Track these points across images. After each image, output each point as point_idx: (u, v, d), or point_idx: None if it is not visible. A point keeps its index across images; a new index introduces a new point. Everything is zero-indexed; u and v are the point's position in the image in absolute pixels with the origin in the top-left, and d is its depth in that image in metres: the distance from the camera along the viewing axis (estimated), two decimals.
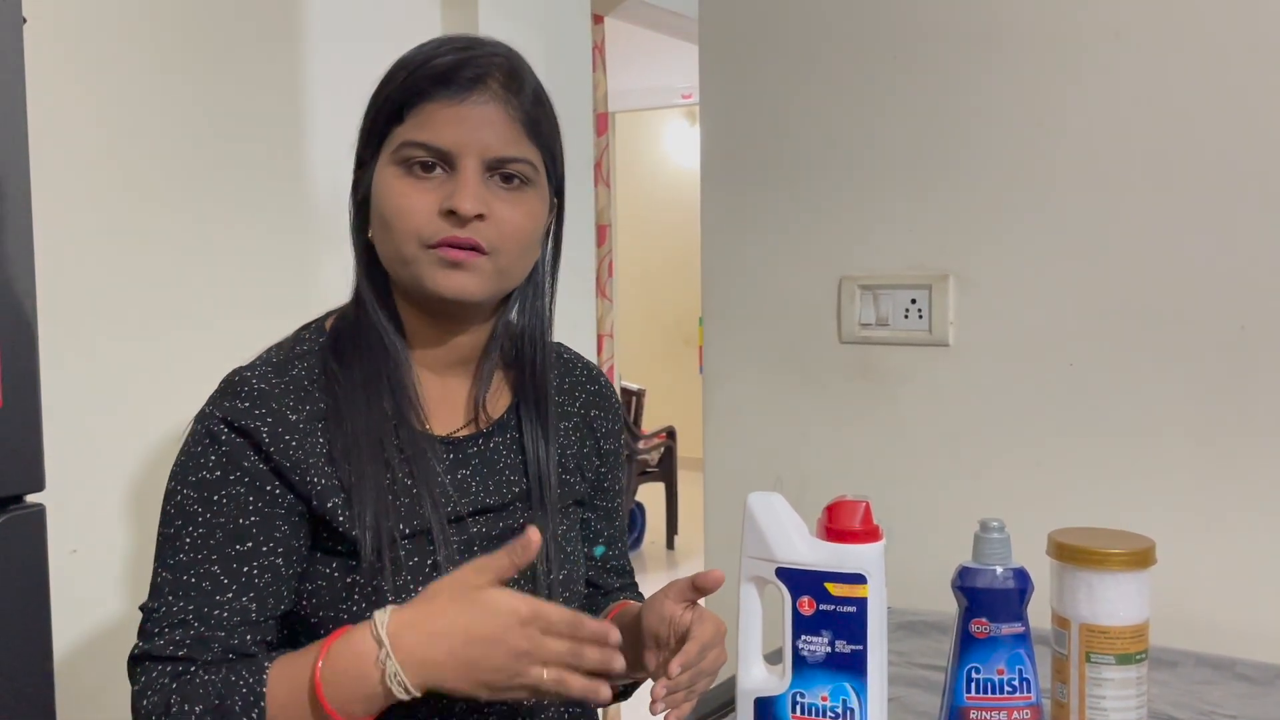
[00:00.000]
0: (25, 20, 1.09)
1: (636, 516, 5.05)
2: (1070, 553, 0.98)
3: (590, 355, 2.80)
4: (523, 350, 1.04)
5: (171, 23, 1.54)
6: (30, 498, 1.13)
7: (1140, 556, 0.97)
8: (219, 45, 1.60)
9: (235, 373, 0.96)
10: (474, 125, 0.93)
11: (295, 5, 1.69)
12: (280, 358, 0.98)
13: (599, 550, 1.12)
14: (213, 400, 0.95)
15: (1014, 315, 1.50)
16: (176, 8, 1.55)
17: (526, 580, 0.98)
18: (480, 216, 0.92)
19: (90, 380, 1.44)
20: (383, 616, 0.83)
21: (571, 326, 2.59)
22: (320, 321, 1.03)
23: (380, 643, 0.82)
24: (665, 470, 4.99)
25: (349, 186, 1.03)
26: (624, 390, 4.66)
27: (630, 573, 1.20)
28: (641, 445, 4.85)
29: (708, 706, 1.12)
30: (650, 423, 5.17)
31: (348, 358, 0.98)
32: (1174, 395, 1.39)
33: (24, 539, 1.11)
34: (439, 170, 0.93)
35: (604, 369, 3.72)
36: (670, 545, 5.16)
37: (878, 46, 1.58)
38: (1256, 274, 1.34)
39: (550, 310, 1.06)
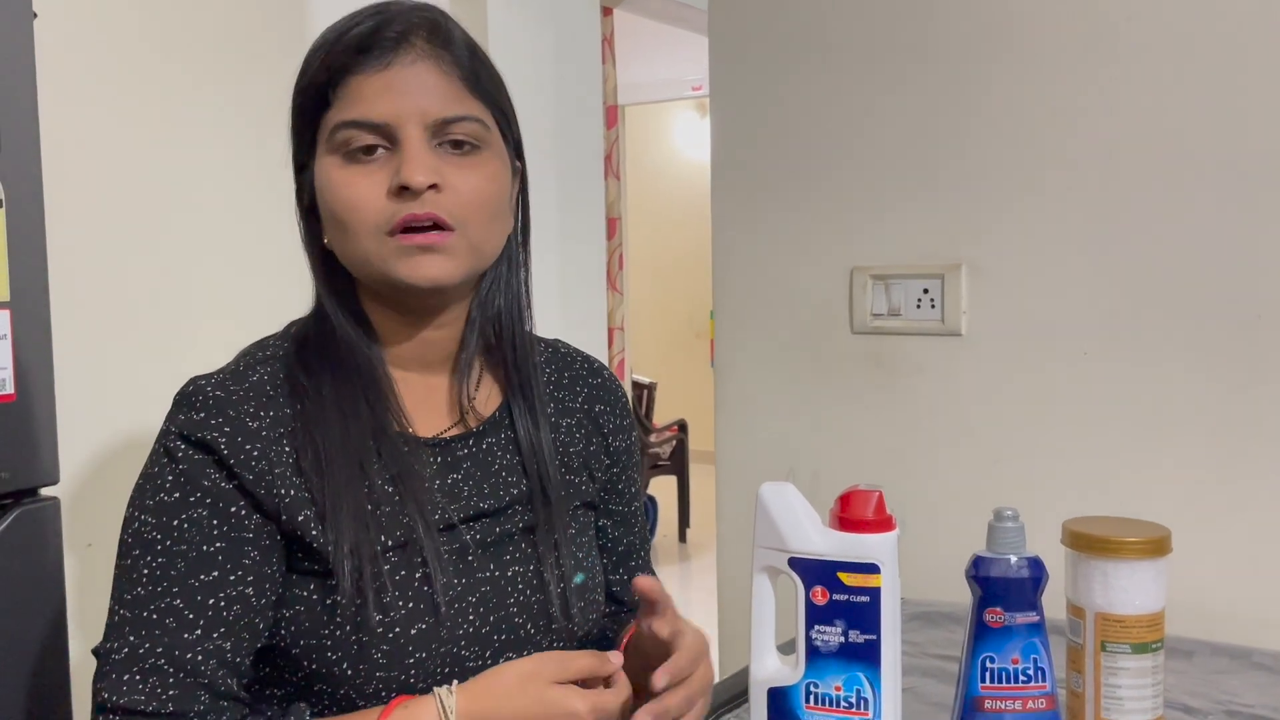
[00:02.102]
0: (35, 15, 1.09)
1: (649, 509, 5.06)
2: (1085, 541, 0.97)
3: (601, 348, 2.81)
4: (501, 331, 0.95)
5: (180, 15, 1.55)
6: (45, 491, 1.13)
7: (1156, 545, 0.96)
8: (228, 40, 1.60)
9: (190, 382, 0.88)
10: (406, 89, 0.84)
11: (304, 2, 1.69)
12: (240, 365, 0.90)
13: (579, 579, 0.98)
14: (168, 415, 0.87)
15: (1027, 304, 1.49)
16: (187, 2, 1.55)
17: (536, 590, 0.92)
18: (435, 187, 0.84)
19: (104, 373, 1.44)
20: (449, 698, 0.80)
21: (582, 320, 2.59)
22: (285, 330, 0.95)
23: (447, 716, 0.79)
24: (677, 463, 4.99)
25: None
26: (635, 383, 4.67)
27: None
28: (653, 438, 4.85)
29: (721, 698, 1.12)
30: (662, 416, 5.17)
31: (315, 368, 0.90)
32: (1189, 383, 1.38)
33: (39, 532, 1.12)
34: (381, 150, 0.85)
35: (615, 362, 3.72)
36: (683, 538, 5.16)
37: (889, 36, 1.57)
38: (1272, 262, 1.33)
39: (526, 285, 0.97)
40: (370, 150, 0.85)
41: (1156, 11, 1.39)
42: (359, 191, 0.85)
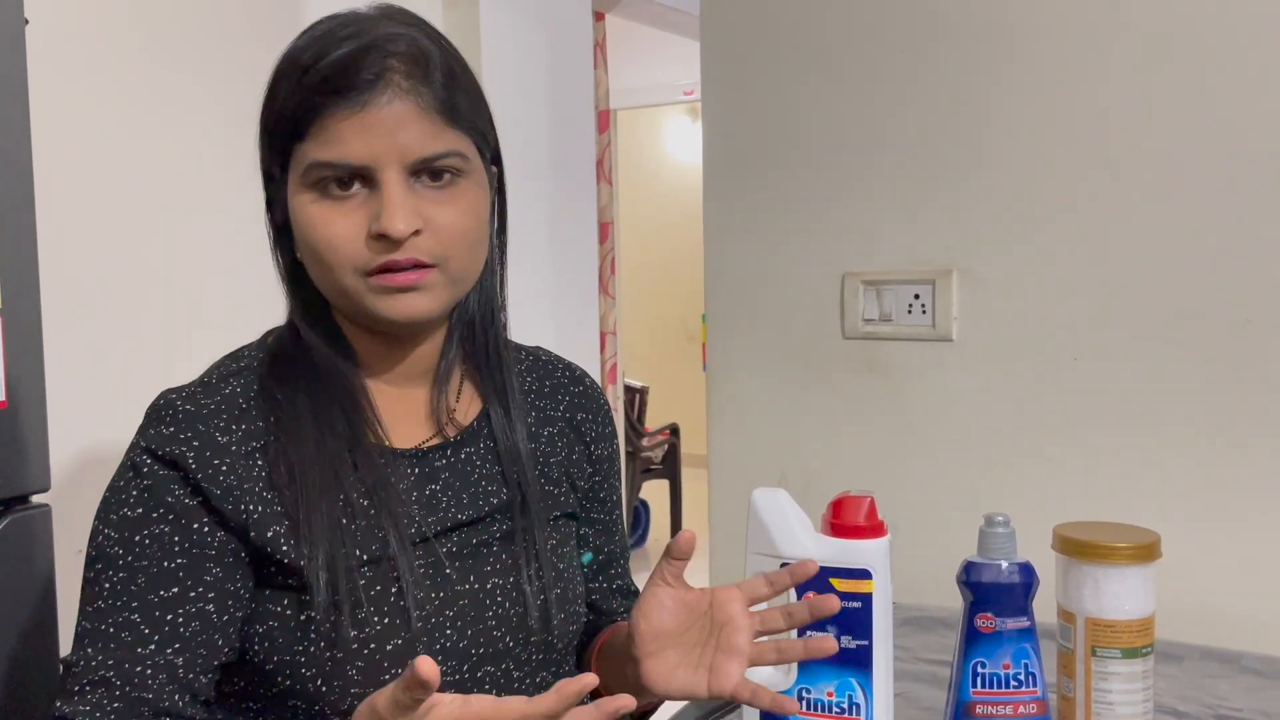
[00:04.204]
0: (27, 22, 1.09)
1: (641, 514, 5.05)
2: (1075, 547, 0.97)
3: (593, 352, 2.81)
4: (476, 337, 0.95)
5: (172, 22, 1.54)
6: (36, 498, 1.13)
7: (1145, 550, 0.96)
8: (220, 45, 1.60)
9: (161, 395, 0.87)
10: (385, 130, 0.81)
11: (297, 4, 1.69)
12: (213, 377, 0.89)
13: (586, 557, 1.01)
14: (139, 429, 0.86)
15: (1018, 310, 1.50)
16: (177, 8, 1.55)
17: (515, 603, 0.91)
18: (416, 232, 0.82)
19: (95, 381, 1.44)
20: None
21: (575, 324, 2.59)
22: (260, 340, 0.94)
23: None
24: (669, 467, 4.99)
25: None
26: (627, 387, 4.66)
27: (636, 594, 1.09)
28: (645, 442, 4.85)
29: (714, 703, 1.12)
30: (654, 420, 5.17)
31: (289, 380, 0.89)
32: (1179, 389, 1.39)
33: (30, 539, 1.12)
34: (357, 186, 0.83)
35: (607, 366, 3.72)
36: None
37: (880, 41, 1.58)
38: (1262, 268, 1.34)
39: (501, 288, 0.97)
40: (346, 184, 0.83)
41: (1148, 20, 1.39)
42: (336, 230, 0.83)
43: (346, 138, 0.81)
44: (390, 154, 0.82)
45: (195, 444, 0.84)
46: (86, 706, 0.80)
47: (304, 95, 0.82)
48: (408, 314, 0.85)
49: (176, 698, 0.82)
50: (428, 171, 0.84)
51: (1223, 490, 1.37)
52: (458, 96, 0.86)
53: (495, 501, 0.93)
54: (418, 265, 0.83)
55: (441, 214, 0.84)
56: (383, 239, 0.82)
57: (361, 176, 0.83)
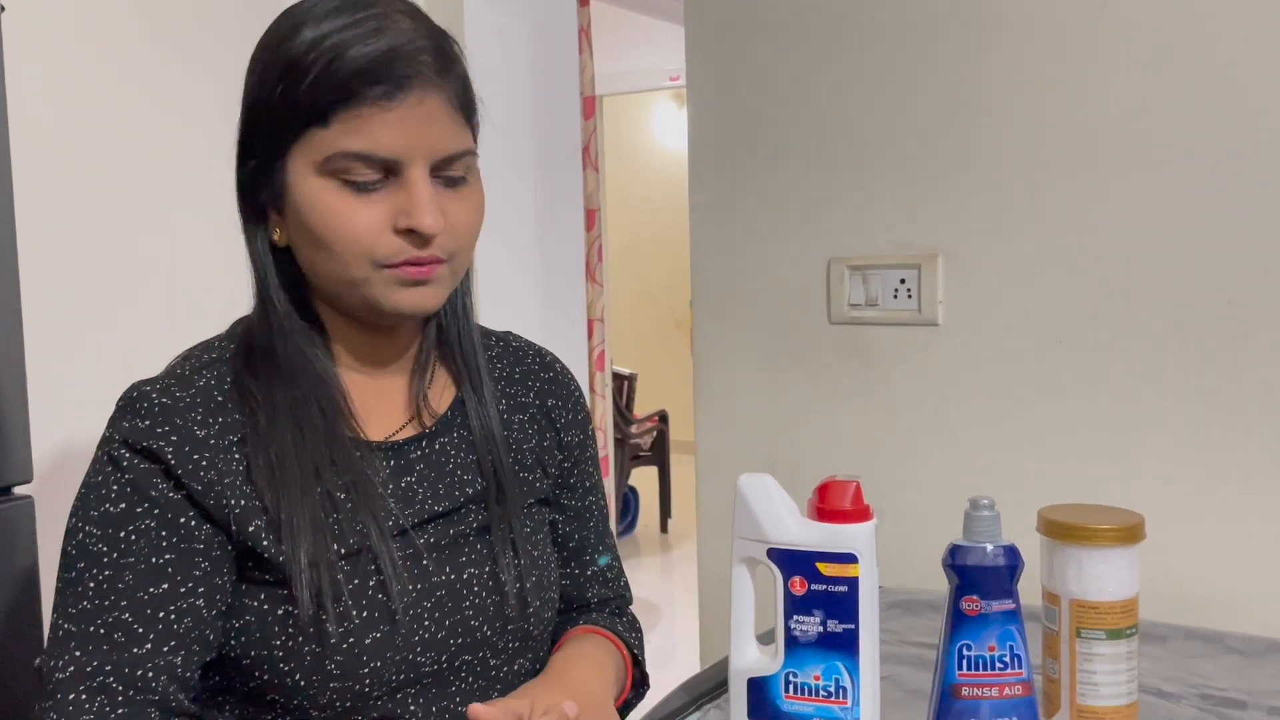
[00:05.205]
0: (3, 8, 1.08)
1: (630, 501, 5.06)
2: (1060, 529, 0.98)
3: (581, 340, 2.80)
4: (446, 323, 0.96)
5: (157, 8, 1.53)
6: (19, 489, 1.13)
7: (1130, 532, 0.97)
8: (202, 33, 1.59)
9: (133, 388, 0.85)
10: (417, 126, 0.82)
11: None
12: (185, 369, 0.87)
13: (603, 560, 1.01)
14: (111, 421, 0.84)
15: (1003, 294, 1.50)
16: None
17: (492, 592, 0.91)
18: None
19: (77, 372, 1.43)
20: None
21: (562, 312, 2.59)
22: (230, 329, 0.93)
23: None
24: (658, 454, 5.00)
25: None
26: (616, 374, 4.66)
27: (614, 583, 1.08)
28: (634, 429, 4.86)
29: (702, 688, 1.12)
30: (643, 407, 5.18)
31: (263, 373, 0.87)
32: (1163, 371, 1.40)
33: (12, 531, 1.11)
34: (382, 178, 0.83)
35: (595, 353, 3.72)
36: (664, 529, 5.18)
37: (865, 27, 1.58)
38: (1244, 250, 1.34)
39: (468, 275, 0.97)
40: (371, 177, 0.83)
41: (1134, 7, 1.39)
42: (359, 223, 0.82)
43: (379, 130, 0.81)
44: (420, 149, 0.82)
45: (173, 438, 0.82)
46: (90, 716, 0.77)
47: (331, 83, 0.81)
48: (418, 306, 0.86)
49: (181, 696, 0.81)
50: (445, 168, 0.85)
51: (1207, 471, 1.38)
52: (470, 94, 0.88)
53: (470, 492, 0.93)
54: (436, 262, 0.85)
55: (457, 213, 0.86)
56: (411, 234, 0.83)
57: (387, 169, 0.83)
